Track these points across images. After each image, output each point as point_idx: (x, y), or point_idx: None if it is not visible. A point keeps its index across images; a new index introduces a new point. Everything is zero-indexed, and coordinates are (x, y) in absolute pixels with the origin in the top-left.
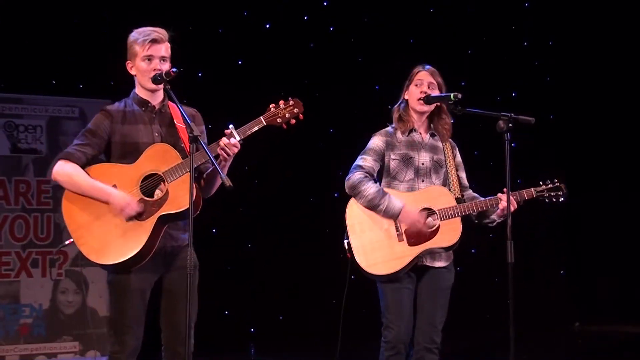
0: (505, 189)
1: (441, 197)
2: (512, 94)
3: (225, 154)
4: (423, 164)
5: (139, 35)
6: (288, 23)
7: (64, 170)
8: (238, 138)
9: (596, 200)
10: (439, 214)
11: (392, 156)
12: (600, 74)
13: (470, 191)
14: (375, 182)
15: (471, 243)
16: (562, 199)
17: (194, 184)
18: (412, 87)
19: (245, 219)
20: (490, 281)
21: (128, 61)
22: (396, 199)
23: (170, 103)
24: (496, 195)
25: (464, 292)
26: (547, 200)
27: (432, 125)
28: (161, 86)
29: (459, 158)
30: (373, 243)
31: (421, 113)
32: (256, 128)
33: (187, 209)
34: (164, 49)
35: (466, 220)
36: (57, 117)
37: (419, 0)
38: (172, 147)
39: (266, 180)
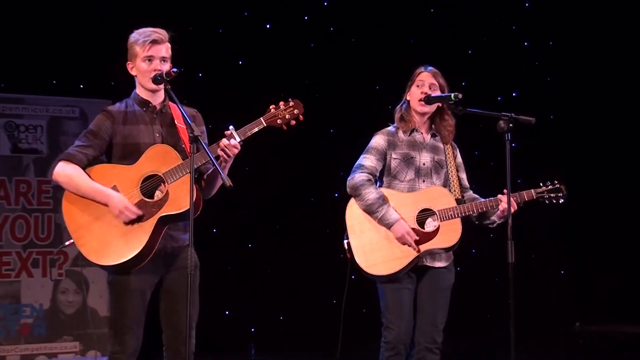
0: (505, 190)
1: (441, 197)
2: (513, 94)
3: (225, 155)
4: (424, 164)
5: (139, 36)
6: (288, 23)
7: (65, 172)
8: (238, 139)
9: (596, 200)
10: (439, 215)
11: (394, 155)
12: (601, 74)
13: (471, 192)
14: (377, 185)
15: (472, 243)
16: (562, 200)
17: (194, 185)
18: (413, 88)
19: (246, 219)
20: (491, 281)
21: (128, 62)
22: (394, 210)
23: (170, 103)
24: (496, 196)
25: (464, 292)
26: (547, 202)
27: (433, 126)
28: (162, 86)
29: (459, 159)
30: (373, 243)
31: (422, 114)
32: (256, 129)
33: (188, 210)
34: (165, 50)
35: (466, 220)
36: (57, 117)
37: (419, 0)
38: (172, 148)
39: (266, 181)
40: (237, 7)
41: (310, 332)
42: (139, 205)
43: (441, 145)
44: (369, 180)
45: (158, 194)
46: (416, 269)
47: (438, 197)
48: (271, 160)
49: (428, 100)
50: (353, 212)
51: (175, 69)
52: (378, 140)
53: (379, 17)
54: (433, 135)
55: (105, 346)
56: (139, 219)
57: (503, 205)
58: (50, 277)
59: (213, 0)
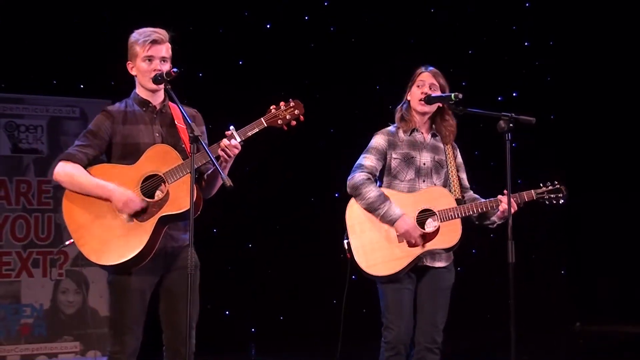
0: (505, 190)
1: (441, 198)
2: (513, 94)
3: (226, 155)
4: (424, 164)
5: (139, 36)
6: (289, 23)
7: (65, 170)
8: (239, 139)
9: (596, 200)
10: (439, 215)
11: (394, 155)
12: (601, 74)
13: (471, 192)
14: (377, 184)
15: (472, 243)
16: (562, 201)
17: (194, 185)
18: (414, 88)
19: (246, 219)
20: (491, 281)
21: (129, 61)
22: (396, 206)
23: (170, 103)
24: (496, 196)
25: (464, 292)
26: (547, 202)
27: (434, 126)
28: (162, 86)
29: (459, 159)
30: (373, 243)
31: (422, 113)
32: (257, 129)
33: (188, 210)
34: (165, 50)
35: (467, 220)
36: (57, 117)
37: (419, 0)
38: (172, 148)
39: (266, 181)
40: (237, 7)
41: (311, 332)
42: None
43: (441, 145)
44: (369, 179)
45: (158, 194)
46: (416, 269)
47: (438, 197)
48: (271, 160)
49: (428, 100)
50: (353, 212)
51: (175, 69)
52: (378, 140)
53: (379, 17)
54: (433, 135)
55: (106, 346)
56: (140, 219)
57: (503, 205)
58: (50, 277)
59: (213, 0)
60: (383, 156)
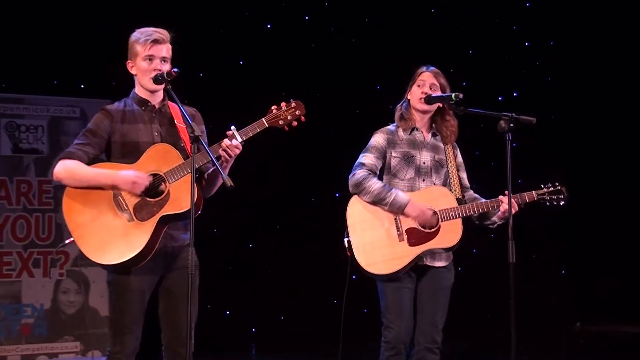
0: (506, 191)
1: (442, 197)
2: (514, 94)
3: (227, 155)
4: (424, 163)
5: (140, 35)
6: (289, 23)
7: (65, 166)
8: (240, 139)
9: (596, 200)
10: (440, 215)
11: (394, 154)
12: (601, 75)
13: (471, 192)
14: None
15: (472, 243)
16: (563, 202)
17: (195, 185)
18: (414, 87)
19: (246, 219)
20: (491, 281)
21: (129, 60)
22: (402, 193)
23: (170, 103)
24: (497, 196)
25: (464, 292)
26: (547, 204)
27: (434, 125)
28: (161, 86)
29: (460, 158)
30: (373, 242)
31: (423, 112)
32: (258, 130)
33: (189, 210)
34: (165, 50)
35: (467, 220)
36: (58, 117)
37: (419, 0)
38: (173, 147)
39: (267, 181)
40: (238, 7)
41: (311, 332)
42: (140, 204)
43: (441, 145)
44: (370, 174)
45: (163, 188)
46: (416, 269)
47: (439, 197)
48: (271, 160)
49: (428, 100)
50: (354, 210)
51: (175, 69)
52: (377, 139)
53: (379, 17)
54: (433, 135)
55: (106, 346)
56: (142, 215)
57: (504, 206)
58: (49, 276)
59: (213, 0)
60: (383, 155)
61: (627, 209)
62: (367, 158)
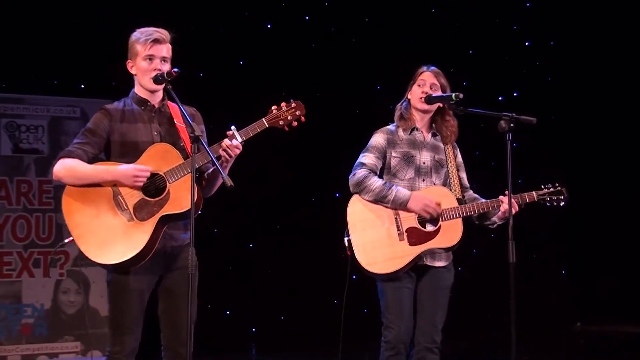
0: (507, 191)
1: (443, 197)
2: (514, 94)
3: (227, 155)
4: (424, 163)
5: (141, 35)
6: (289, 23)
7: (64, 165)
8: (240, 139)
9: (596, 200)
10: (440, 215)
11: (394, 154)
12: (602, 75)
13: (471, 192)
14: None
15: (472, 243)
16: (563, 203)
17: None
18: (414, 87)
19: (246, 219)
20: (491, 281)
21: (128, 60)
22: (403, 189)
23: (170, 103)
24: (497, 196)
25: (464, 292)
26: (547, 204)
27: (434, 125)
28: (161, 86)
29: (459, 158)
30: (374, 242)
31: (423, 112)
32: (258, 130)
33: (189, 210)
34: (166, 50)
35: (467, 220)
36: (58, 117)
37: (419, 0)
38: (173, 146)
39: (267, 181)
40: (238, 7)
41: (311, 332)
42: (140, 204)
43: (441, 145)
44: (370, 173)
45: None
46: (416, 268)
47: (439, 196)
48: (271, 160)
49: (429, 99)
50: (355, 209)
51: (176, 69)
52: (377, 139)
53: (379, 17)
54: (433, 135)
55: (106, 346)
56: (142, 215)
57: (504, 206)
58: (49, 276)
59: (213, 0)
60: (383, 154)
61: (627, 209)
62: (367, 158)
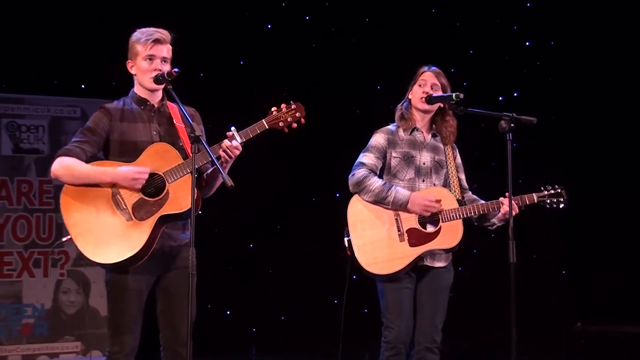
0: (507, 193)
1: (443, 198)
2: (514, 94)
3: (227, 156)
4: (424, 163)
5: (141, 35)
6: (289, 23)
7: (63, 163)
8: (240, 140)
9: (596, 200)
10: (441, 216)
11: (394, 154)
12: (602, 75)
13: (470, 193)
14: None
15: (473, 244)
16: (563, 205)
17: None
18: (415, 87)
19: (246, 219)
20: (491, 281)
21: (129, 60)
22: (402, 189)
23: (169, 102)
24: (498, 197)
25: (464, 292)
26: (547, 206)
27: (434, 126)
28: (161, 86)
29: (459, 159)
30: (374, 242)
31: (423, 112)
32: (258, 131)
33: (188, 210)
34: (166, 50)
35: (468, 221)
36: (59, 117)
37: (419, 0)
38: (172, 146)
39: (267, 181)
40: (238, 7)
41: (311, 332)
42: (139, 204)
43: (441, 146)
44: (370, 173)
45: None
46: (416, 269)
47: (440, 197)
48: (271, 160)
49: (429, 100)
50: (355, 209)
51: (176, 69)
52: (378, 139)
53: (379, 17)
54: (434, 136)
55: (106, 346)
56: (141, 215)
57: (504, 208)
58: (49, 275)
59: (213, 0)
60: (383, 155)
61: (627, 209)
62: (367, 158)
